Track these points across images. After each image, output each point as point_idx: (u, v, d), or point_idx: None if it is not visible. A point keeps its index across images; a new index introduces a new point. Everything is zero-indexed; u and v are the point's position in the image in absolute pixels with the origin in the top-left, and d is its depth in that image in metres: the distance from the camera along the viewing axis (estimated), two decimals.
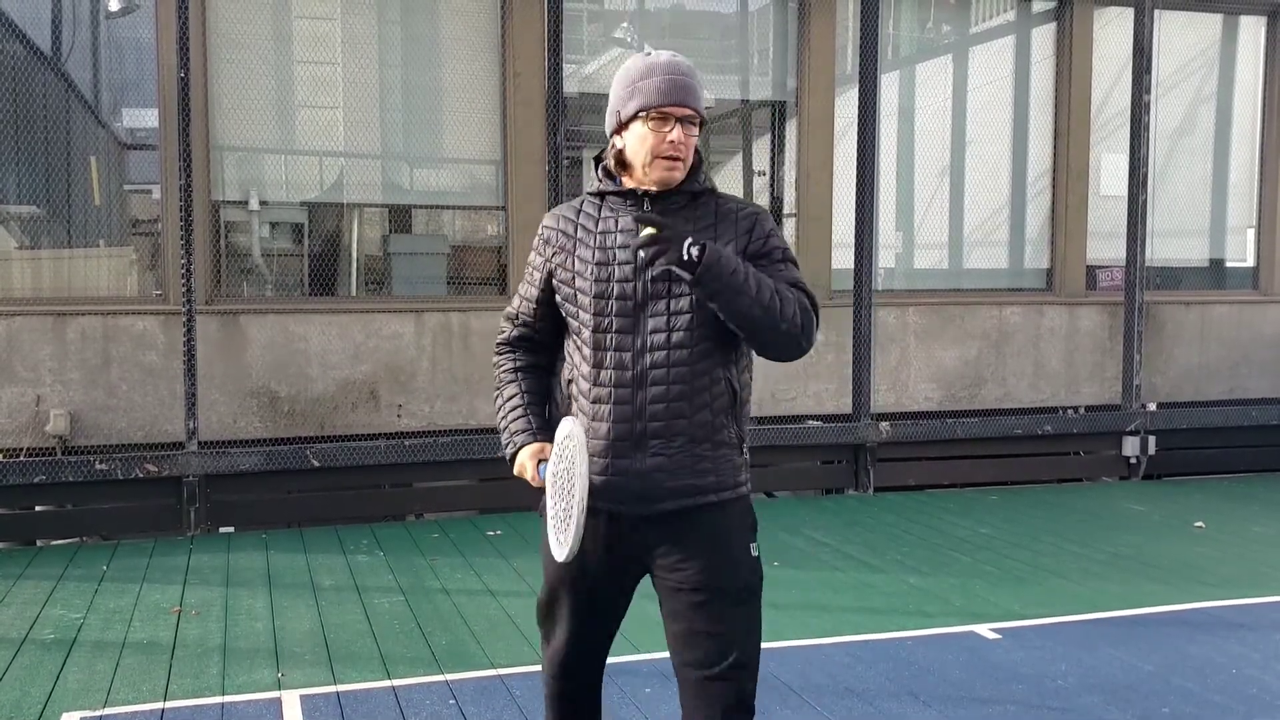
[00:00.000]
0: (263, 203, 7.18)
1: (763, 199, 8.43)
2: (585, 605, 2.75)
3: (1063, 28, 8.56)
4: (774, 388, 7.76)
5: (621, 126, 2.63)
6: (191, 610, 5.11)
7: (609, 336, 2.59)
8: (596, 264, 2.61)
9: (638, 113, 2.58)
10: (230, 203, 7.10)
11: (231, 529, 6.78)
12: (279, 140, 7.17)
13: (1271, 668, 4.42)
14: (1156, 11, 8.37)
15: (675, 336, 2.56)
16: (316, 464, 6.75)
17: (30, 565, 5.93)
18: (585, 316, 2.61)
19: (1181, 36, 8.91)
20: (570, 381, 2.68)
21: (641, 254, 2.47)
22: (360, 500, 7.07)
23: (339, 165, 7.37)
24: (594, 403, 2.60)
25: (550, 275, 2.70)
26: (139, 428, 6.70)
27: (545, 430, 2.72)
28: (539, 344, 2.80)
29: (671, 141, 2.57)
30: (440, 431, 7.17)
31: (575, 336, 2.66)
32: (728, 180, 8.85)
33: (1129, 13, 8.43)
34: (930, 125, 8.55)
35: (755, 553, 2.68)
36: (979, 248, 8.77)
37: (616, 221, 2.63)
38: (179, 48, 6.46)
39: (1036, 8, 8.64)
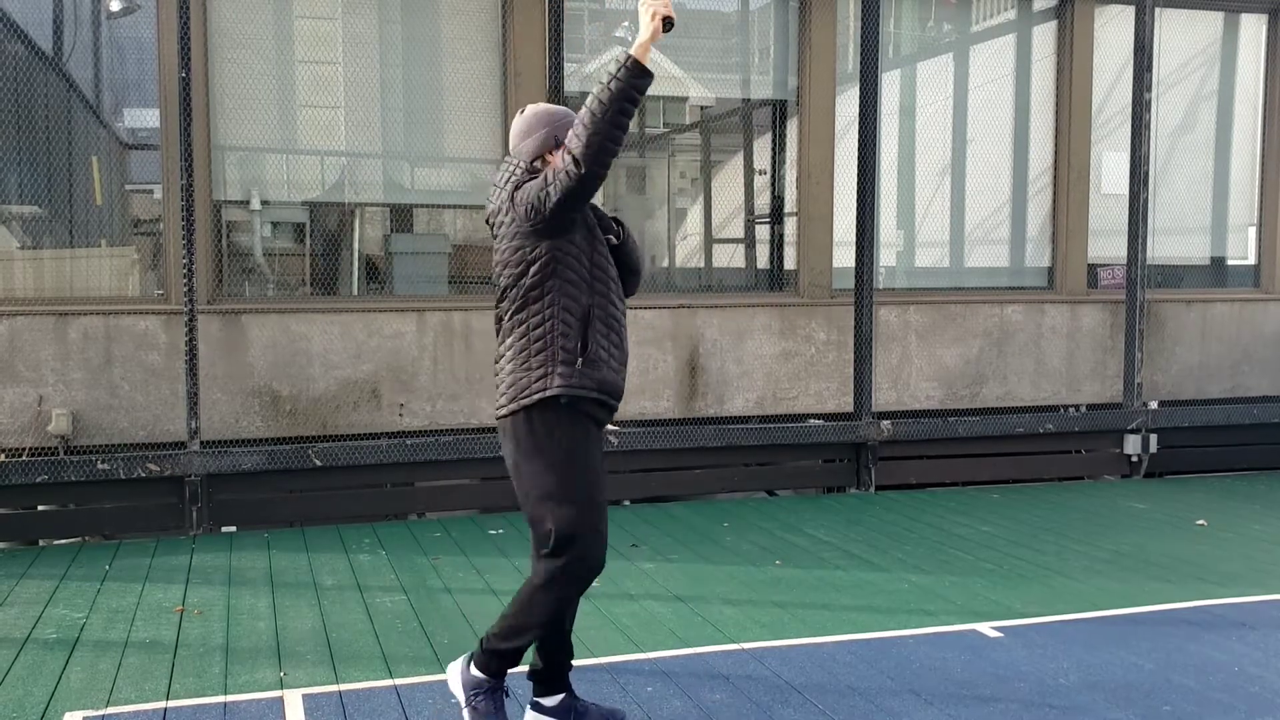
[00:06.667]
0: (264, 202, 7.19)
1: (764, 198, 8.43)
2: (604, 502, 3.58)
3: (1063, 26, 8.56)
4: (775, 387, 7.77)
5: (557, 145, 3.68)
6: (194, 610, 5.12)
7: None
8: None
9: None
10: (232, 202, 7.11)
11: (234, 528, 6.78)
12: (280, 140, 7.17)
13: (1273, 666, 4.42)
14: (1157, 9, 8.37)
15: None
16: (318, 463, 6.76)
17: (33, 565, 5.94)
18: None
19: (1182, 34, 8.91)
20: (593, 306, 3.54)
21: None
22: (362, 499, 7.07)
23: (340, 165, 7.37)
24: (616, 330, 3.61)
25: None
26: (141, 427, 6.71)
27: None
28: None
29: None
30: (442, 430, 7.17)
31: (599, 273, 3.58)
32: (728, 179, 8.86)
33: (1130, 11, 8.43)
34: (931, 124, 8.55)
35: None
36: (980, 246, 8.77)
37: None
38: (180, 47, 6.46)
39: (1037, 6, 8.64)
